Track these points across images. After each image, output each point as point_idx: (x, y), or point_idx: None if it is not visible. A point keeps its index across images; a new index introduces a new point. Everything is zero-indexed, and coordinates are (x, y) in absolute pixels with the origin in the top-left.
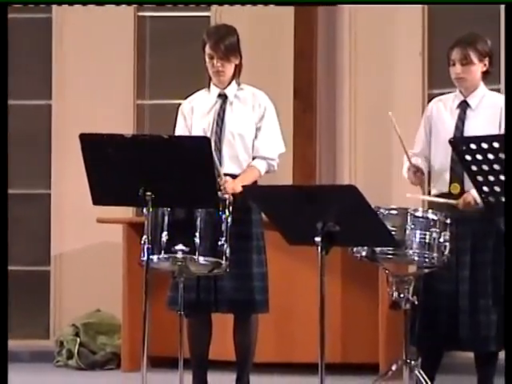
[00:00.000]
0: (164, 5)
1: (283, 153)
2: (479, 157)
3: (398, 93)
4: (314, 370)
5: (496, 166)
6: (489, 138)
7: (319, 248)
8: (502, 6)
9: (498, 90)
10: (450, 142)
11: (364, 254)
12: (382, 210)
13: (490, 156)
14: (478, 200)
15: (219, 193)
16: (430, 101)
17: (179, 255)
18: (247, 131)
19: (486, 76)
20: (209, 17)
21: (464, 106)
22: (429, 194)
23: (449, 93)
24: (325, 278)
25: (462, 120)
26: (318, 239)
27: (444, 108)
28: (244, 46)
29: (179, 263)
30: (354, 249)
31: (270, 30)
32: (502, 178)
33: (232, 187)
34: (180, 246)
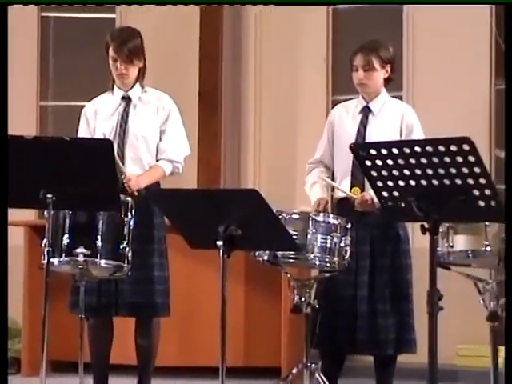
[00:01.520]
0: (165, 5)
1: (188, 156)
2: (379, 162)
3: (303, 97)
4: (216, 374)
5: (395, 172)
6: (388, 144)
7: (221, 252)
8: (405, 13)
9: (401, 97)
10: (350, 147)
11: (266, 257)
12: (284, 215)
13: (390, 162)
14: (375, 200)
15: (121, 196)
16: (333, 106)
17: (80, 258)
18: (151, 134)
19: (388, 82)
20: (114, 18)
21: (366, 111)
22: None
23: (352, 99)
24: (226, 282)
25: (363, 125)
26: (219, 243)
27: (346, 113)
28: (149, 47)
29: (80, 266)
30: (256, 252)
31: (176, 32)
32: (401, 183)
33: (136, 183)
34: (81, 249)
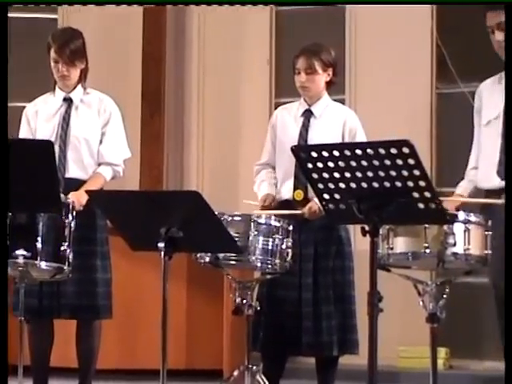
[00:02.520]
0: (164, 5)
1: (131, 157)
2: (320, 165)
3: (246, 99)
4: (157, 377)
5: (336, 174)
6: (329, 147)
7: (162, 254)
8: (348, 16)
9: (343, 100)
10: (291, 149)
11: (207, 259)
12: (225, 216)
13: (331, 164)
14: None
15: (62, 197)
16: (276, 109)
17: (20, 260)
18: (92, 136)
19: (330, 85)
20: (56, 19)
21: (308, 114)
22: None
23: (295, 101)
24: (168, 284)
25: (305, 128)
26: (161, 245)
27: (288, 116)
28: (91, 48)
29: (20, 268)
30: (198, 254)
31: (119, 33)
32: (342, 185)
33: (78, 203)
34: (21, 251)
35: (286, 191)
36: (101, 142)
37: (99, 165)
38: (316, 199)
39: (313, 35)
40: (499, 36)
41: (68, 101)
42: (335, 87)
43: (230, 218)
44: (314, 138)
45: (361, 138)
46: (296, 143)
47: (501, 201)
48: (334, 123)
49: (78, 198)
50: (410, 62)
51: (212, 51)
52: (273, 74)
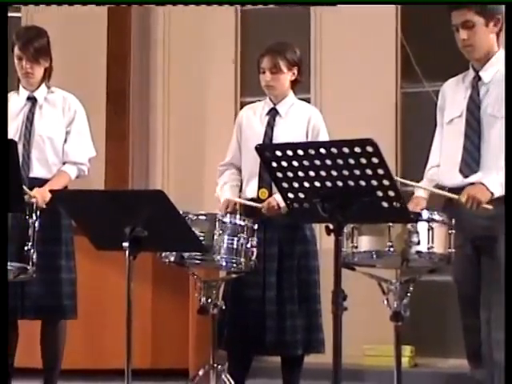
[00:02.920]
0: (164, 5)
1: (96, 156)
2: (284, 164)
3: (212, 98)
4: (123, 376)
5: (300, 173)
6: (293, 146)
7: (127, 253)
8: (313, 15)
9: (308, 99)
10: (255, 148)
11: (172, 259)
12: (190, 216)
13: (295, 163)
14: (282, 204)
15: (26, 197)
16: (242, 108)
17: None
18: (57, 135)
19: (296, 85)
20: (20, 17)
21: (273, 113)
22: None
23: (261, 100)
24: (133, 283)
25: (271, 127)
26: (125, 244)
27: (254, 115)
28: (56, 47)
29: None
30: (163, 254)
31: (84, 32)
32: (306, 184)
33: (42, 200)
34: None
35: (251, 190)
36: (65, 140)
37: (64, 163)
38: (276, 196)
39: (278, 34)
40: (463, 34)
41: (32, 99)
42: (300, 86)
43: (195, 218)
44: (279, 137)
45: (323, 136)
46: (261, 142)
47: (456, 196)
48: (299, 122)
49: (41, 195)
50: (375, 62)
51: (177, 50)
52: (238, 73)
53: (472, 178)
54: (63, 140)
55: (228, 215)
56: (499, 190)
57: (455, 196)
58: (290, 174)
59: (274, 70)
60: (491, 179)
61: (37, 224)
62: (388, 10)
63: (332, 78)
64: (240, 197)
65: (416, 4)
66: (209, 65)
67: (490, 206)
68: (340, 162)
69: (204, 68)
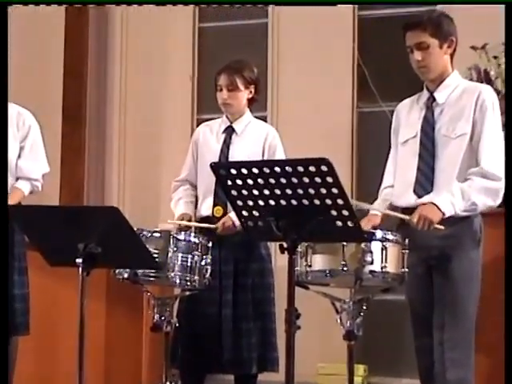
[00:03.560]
0: (164, 5)
1: (51, 172)
2: (239, 182)
3: (168, 115)
4: None
5: (255, 191)
6: (248, 164)
7: (80, 269)
8: (270, 33)
9: (265, 118)
10: (210, 166)
11: (126, 275)
12: (145, 233)
13: (250, 181)
14: (237, 223)
15: None
16: (198, 125)
17: None
18: (10, 151)
19: (252, 103)
20: None
21: (230, 131)
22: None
23: (217, 118)
24: (86, 300)
25: (227, 145)
26: (79, 260)
27: (210, 133)
28: (11, 60)
29: None
30: (117, 270)
31: (39, 46)
32: (261, 203)
33: None
34: None
35: (206, 208)
36: (19, 156)
37: (17, 179)
38: (231, 214)
39: (235, 52)
40: (418, 56)
41: None
42: (257, 104)
43: (150, 234)
44: (235, 155)
45: (279, 155)
46: (217, 160)
47: (407, 217)
48: (255, 140)
49: None
50: (331, 81)
51: (134, 66)
52: (195, 90)
53: (425, 199)
54: (17, 155)
55: (183, 233)
56: (450, 210)
57: (406, 217)
58: (245, 192)
59: (230, 88)
60: (442, 199)
61: None
62: (345, 29)
63: (289, 97)
64: (195, 214)
65: (410, 4)
66: (166, 81)
67: (441, 227)
68: (295, 180)
69: (161, 84)
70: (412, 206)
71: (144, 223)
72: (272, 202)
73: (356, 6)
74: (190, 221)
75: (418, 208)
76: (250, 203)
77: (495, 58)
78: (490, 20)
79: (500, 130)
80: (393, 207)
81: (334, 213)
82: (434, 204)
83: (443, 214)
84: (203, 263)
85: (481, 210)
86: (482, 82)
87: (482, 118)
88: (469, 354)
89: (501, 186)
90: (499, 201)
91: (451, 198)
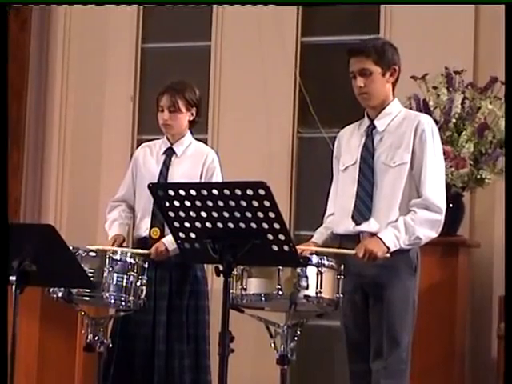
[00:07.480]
0: (164, 5)
1: None
2: (177, 203)
3: (108, 134)
4: None
5: (192, 213)
6: (186, 186)
7: (14, 287)
8: (213, 55)
9: (206, 140)
10: (148, 187)
11: (60, 294)
12: (80, 251)
13: (187, 203)
14: (171, 248)
15: None
16: (138, 145)
17: None
18: None
19: (193, 125)
20: None
21: (170, 152)
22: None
23: (158, 139)
24: (19, 318)
25: (166, 166)
26: (12, 278)
27: (150, 154)
28: None
29: None
30: (51, 289)
31: None
32: (198, 225)
33: None
34: None
35: (144, 229)
36: None
37: None
38: (164, 239)
39: (178, 73)
40: (360, 82)
41: None
42: (198, 126)
43: (85, 254)
44: (174, 177)
45: (217, 177)
46: (156, 181)
47: (352, 252)
48: (195, 162)
49: None
50: (272, 106)
51: (75, 85)
52: (136, 111)
53: (364, 226)
54: None
55: (119, 253)
56: (395, 244)
57: (352, 252)
58: (182, 214)
59: (172, 109)
60: (387, 234)
61: None
62: (287, 54)
63: (230, 120)
64: (133, 234)
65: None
66: (106, 101)
67: (387, 255)
68: (232, 203)
69: (101, 104)
70: (351, 233)
71: (81, 242)
72: (209, 225)
73: (299, 32)
74: (122, 242)
75: (364, 242)
76: (187, 225)
77: (435, 88)
78: (431, 51)
79: (441, 158)
80: (334, 235)
81: (270, 237)
82: (380, 238)
83: (388, 248)
84: (139, 284)
85: (424, 243)
86: (421, 112)
87: (422, 147)
88: (403, 383)
89: (442, 217)
90: (439, 231)
91: (396, 232)
